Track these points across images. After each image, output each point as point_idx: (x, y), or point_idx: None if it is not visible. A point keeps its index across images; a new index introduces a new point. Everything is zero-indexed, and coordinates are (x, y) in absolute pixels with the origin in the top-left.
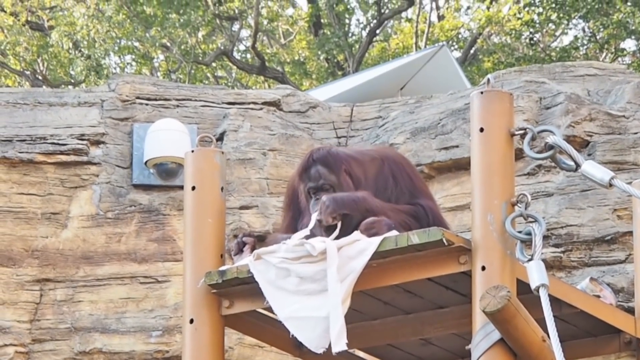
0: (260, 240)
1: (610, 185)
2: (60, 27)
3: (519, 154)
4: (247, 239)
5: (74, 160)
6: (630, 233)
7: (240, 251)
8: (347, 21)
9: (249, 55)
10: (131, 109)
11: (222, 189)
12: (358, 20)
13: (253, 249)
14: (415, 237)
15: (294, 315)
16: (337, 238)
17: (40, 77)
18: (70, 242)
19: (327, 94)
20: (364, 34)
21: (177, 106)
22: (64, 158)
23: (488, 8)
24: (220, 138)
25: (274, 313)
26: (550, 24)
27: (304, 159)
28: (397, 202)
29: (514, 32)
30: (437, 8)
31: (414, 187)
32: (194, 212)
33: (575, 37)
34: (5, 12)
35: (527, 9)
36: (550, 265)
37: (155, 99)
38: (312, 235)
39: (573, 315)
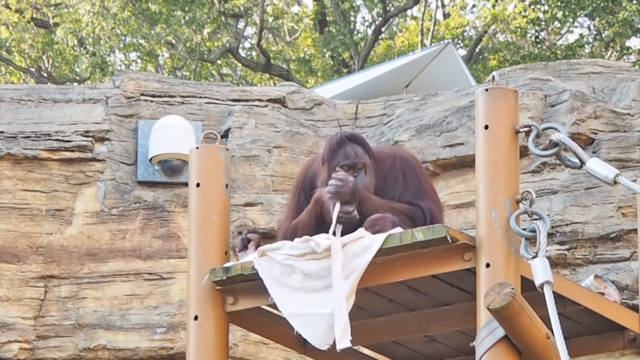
0: (265, 237)
1: (615, 182)
2: (66, 24)
3: (524, 152)
4: (251, 236)
5: (78, 157)
6: (635, 231)
7: (244, 248)
8: (352, 19)
9: (254, 53)
10: (136, 106)
11: (226, 186)
12: (363, 18)
13: (258, 245)
14: (420, 234)
15: (298, 312)
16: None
17: (45, 74)
18: (75, 238)
19: (332, 92)
20: (370, 31)
21: (182, 103)
22: (68, 155)
23: (493, 6)
24: (225, 135)
25: (278, 310)
26: (555, 22)
27: (333, 139)
28: (401, 200)
29: (519, 30)
30: (443, 6)
31: (420, 188)
32: (199, 209)
33: (581, 35)
34: (11, 9)
35: (532, 7)
36: (555, 263)
37: (160, 96)
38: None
39: (577, 312)
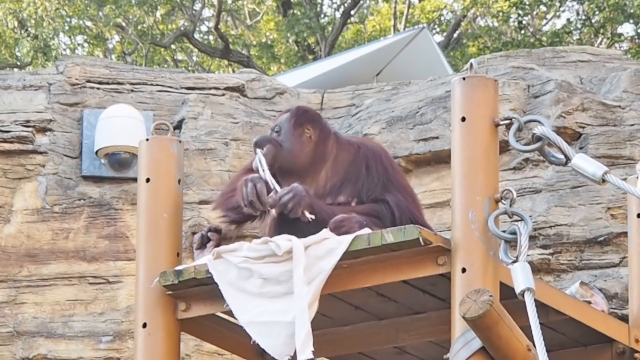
0: (223, 238)
1: (604, 181)
2: (5, 4)
3: (504, 147)
4: (212, 235)
5: (18, 149)
6: (625, 234)
7: (203, 246)
8: (319, 1)
9: (211, 37)
10: (81, 94)
11: (179, 181)
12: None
13: (217, 246)
14: (390, 235)
15: (256, 319)
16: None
17: None
18: (13, 238)
19: (296, 80)
20: (338, 14)
21: (132, 91)
22: (7, 146)
23: None
24: (178, 126)
25: (234, 317)
26: (541, 6)
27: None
28: (368, 195)
29: (501, 14)
30: None
31: (388, 179)
32: (149, 206)
33: (568, 21)
34: None
35: None
36: (538, 268)
37: (108, 83)
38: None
39: (561, 322)
